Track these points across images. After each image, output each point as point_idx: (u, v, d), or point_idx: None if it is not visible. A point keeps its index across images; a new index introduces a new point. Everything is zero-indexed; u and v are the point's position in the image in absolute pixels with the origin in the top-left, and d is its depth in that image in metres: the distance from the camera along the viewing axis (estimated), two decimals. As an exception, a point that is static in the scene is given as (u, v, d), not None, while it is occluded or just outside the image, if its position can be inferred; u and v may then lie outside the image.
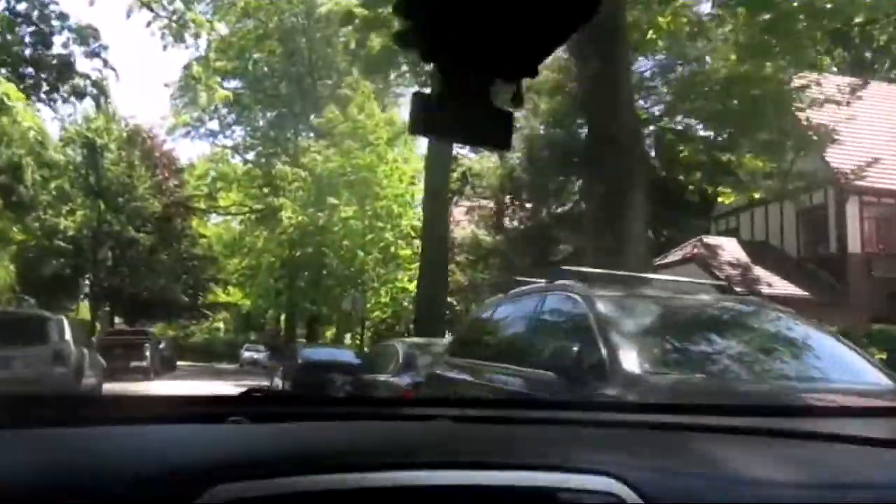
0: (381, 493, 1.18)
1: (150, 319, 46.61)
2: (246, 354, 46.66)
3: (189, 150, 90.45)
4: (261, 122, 55.78)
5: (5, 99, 18.62)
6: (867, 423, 1.96)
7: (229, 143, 55.66)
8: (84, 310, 49.25)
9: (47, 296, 33.48)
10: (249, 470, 1.15)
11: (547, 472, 1.26)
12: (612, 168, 11.30)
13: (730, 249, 21.87)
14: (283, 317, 69.64)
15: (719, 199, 23.38)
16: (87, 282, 36.94)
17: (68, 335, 13.23)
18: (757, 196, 21.34)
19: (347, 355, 18.61)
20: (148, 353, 27.64)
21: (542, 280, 6.07)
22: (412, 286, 26.63)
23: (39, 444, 1.29)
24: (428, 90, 1.42)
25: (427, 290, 21.48)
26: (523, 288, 6.30)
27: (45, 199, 34.26)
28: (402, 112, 26.51)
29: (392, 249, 26.93)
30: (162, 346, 34.86)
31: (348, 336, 30.75)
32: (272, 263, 59.02)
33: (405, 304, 27.50)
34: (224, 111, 54.77)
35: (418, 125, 1.34)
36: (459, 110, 1.30)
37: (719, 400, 3.73)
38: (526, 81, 1.30)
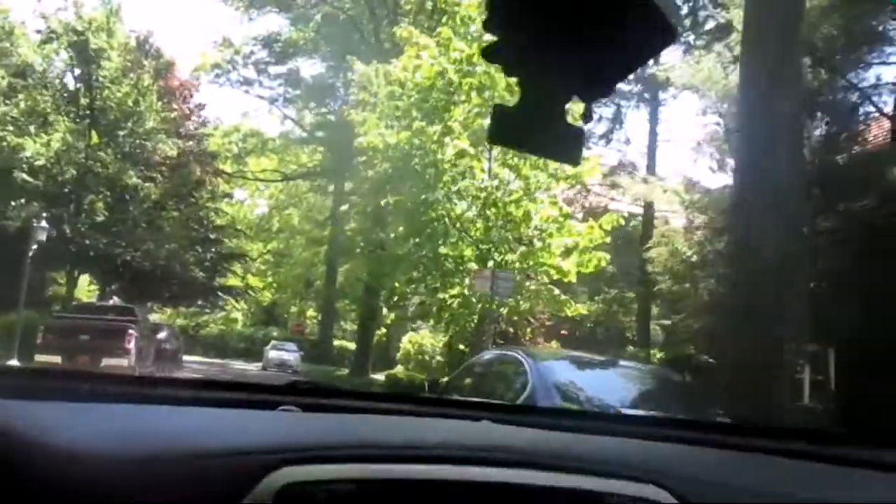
0: (433, 485, 1.23)
1: (153, 301, 36.35)
2: (273, 354, 36.26)
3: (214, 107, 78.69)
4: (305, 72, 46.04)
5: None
6: None
7: (266, 93, 45.88)
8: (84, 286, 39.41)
9: None
10: (310, 455, 1.20)
11: (592, 476, 1.30)
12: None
13: None
14: (310, 311, 61.75)
15: None
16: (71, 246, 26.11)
17: None
18: None
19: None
20: (132, 345, 17.22)
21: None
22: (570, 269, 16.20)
23: (101, 416, 1.33)
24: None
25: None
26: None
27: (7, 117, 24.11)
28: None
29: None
30: (162, 335, 24.82)
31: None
32: (313, 243, 49.67)
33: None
34: (263, 53, 44.90)
35: (497, 135, 1.46)
36: (537, 124, 1.39)
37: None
38: None
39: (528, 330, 21.47)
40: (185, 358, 30.50)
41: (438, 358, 30.07)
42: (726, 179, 18.22)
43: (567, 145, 1.44)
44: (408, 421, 1.68)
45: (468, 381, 7.19)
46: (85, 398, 1.45)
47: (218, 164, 38.58)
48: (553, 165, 17.19)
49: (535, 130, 1.40)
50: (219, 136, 41.09)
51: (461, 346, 19.59)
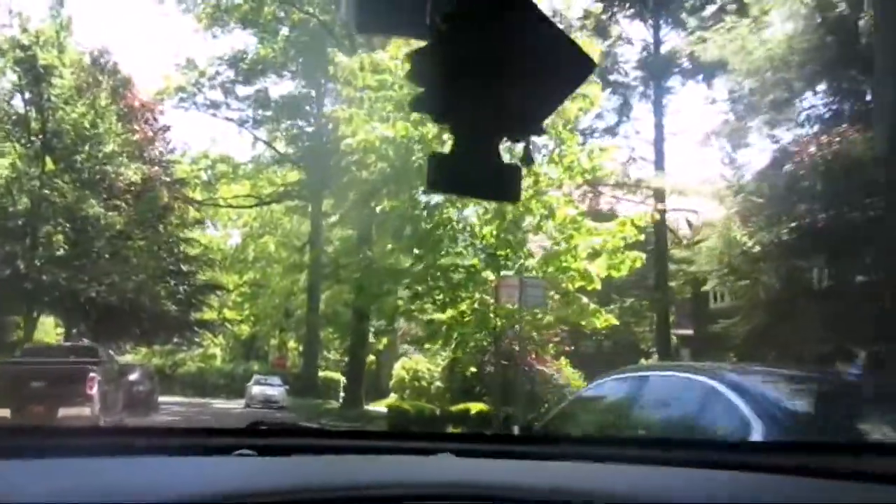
0: None
1: (124, 339, 33.78)
2: (256, 390, 33.66)
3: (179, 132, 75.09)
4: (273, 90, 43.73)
5: None
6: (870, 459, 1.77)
7: (234, 115, 43.51)
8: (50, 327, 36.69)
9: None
10: (260, 502, 1.18)
11: None
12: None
13: None
14: (291, 342, 59.13)
15: None
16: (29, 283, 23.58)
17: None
18: None
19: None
20: (95, 390, 14.81)
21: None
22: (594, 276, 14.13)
23: (51, 473, 1.31)
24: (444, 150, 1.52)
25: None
26: None
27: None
28: None
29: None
30: (134, 376, 22.44)
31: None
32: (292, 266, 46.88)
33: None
34: (230, 73, 42.53)
35: (436, 183, 1.53)
36: (471, 167, 1.43)
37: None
38: None
39: (539, 347, 19.39)
40: (163, 399, 28.30)
41: (438, 384, 27.85)
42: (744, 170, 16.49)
43: (504, 183, 1.47)
44: (366, 459, 1.66)
45: (595, 418, 5.07)
46: (33, 454, 1.40)
47: (187, 192, 36.25)
48: (568, 159, 15.17)
49: (471, 174, 1.43)
50: (186, 164, 38.80)
51: (469, 370, 17.36)
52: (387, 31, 2.18)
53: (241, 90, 42.59)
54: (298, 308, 51.00)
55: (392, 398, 33.11)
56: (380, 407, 31.78)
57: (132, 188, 28.13)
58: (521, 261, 14.16)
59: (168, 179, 31.54)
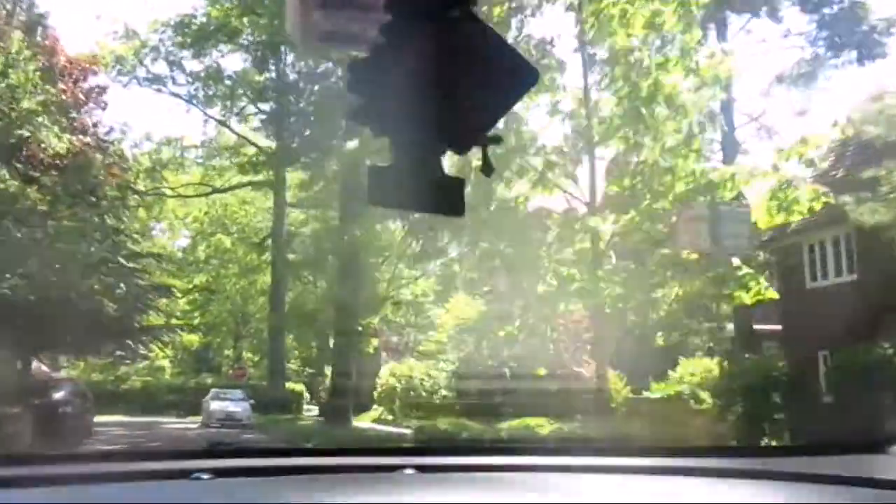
0: None
1: (51, 350, 28.00)
2: (215, 406, 28.16)
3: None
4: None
5: None
6: (855, 461, 1.90)
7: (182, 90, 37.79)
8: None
9: None
10: None
11: None
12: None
13: None
14: (247, 353, 53.39)
15: None
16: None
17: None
18: None
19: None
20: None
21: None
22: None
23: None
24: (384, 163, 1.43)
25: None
26: None
27: None
28: None
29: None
30: (60, 395, 17.59)
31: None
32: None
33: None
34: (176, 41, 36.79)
35: (375, 196, 1.44)
36: (412, 181, 1.39)
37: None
38: None
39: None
40: (103, 419, 24.74)
41: (444, 393, 22.93)
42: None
43: (446, 197, 1.42)
44: (323, 479, 1.61)
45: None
46: None
47: (129, 178, 30.72)
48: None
49: (411, 187, 1.37)
50: (127, 148, 33.21)
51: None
52: (332, 44, 1.87)
53: (189, 63, 37.24)
54: (257, 313, 45.62)
55: (375, 412, 28.17)
56: (364, 422, 26.74)
57: (58, 161, 22.53)
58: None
59: (101, 156, 25.83)
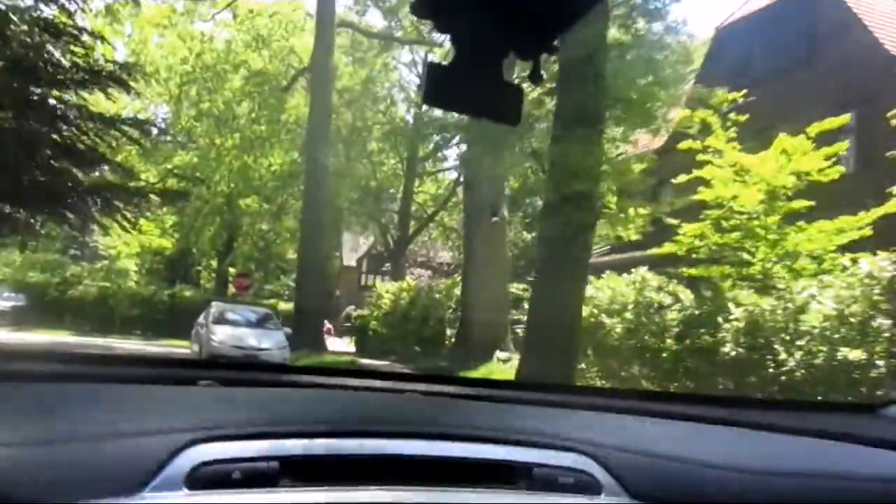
0: (351, 459, 1.20)
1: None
2: (222, 333, 15.73)
3: None
4: None
5: None
6: (820, 416, 1.95)
7: None
8: None
9: None
10: (223, 433, 1.16)
11: (520, 447, 1.30)
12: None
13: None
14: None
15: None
16: None
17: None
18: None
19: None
20: None
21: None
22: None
23: (9, 396, 1.26)
24: (443, 60, 1.38)
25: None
26: None
27: None
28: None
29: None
30: None
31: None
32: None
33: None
34: None
35: (432, 96, 1.33)
36: (471, 83, 1.31)
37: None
38: None
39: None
40: (38, 339, 20.02)
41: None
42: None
43: (504, 105, 1.35)
44: (331, 395, 1.61)
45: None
46: None
47: None
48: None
49: (469, 90, 1.31)
50: None
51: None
52: None
53: None
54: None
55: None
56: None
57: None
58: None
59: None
